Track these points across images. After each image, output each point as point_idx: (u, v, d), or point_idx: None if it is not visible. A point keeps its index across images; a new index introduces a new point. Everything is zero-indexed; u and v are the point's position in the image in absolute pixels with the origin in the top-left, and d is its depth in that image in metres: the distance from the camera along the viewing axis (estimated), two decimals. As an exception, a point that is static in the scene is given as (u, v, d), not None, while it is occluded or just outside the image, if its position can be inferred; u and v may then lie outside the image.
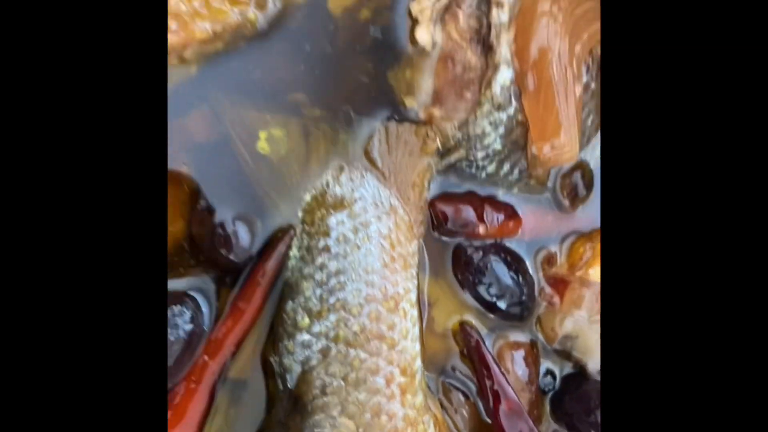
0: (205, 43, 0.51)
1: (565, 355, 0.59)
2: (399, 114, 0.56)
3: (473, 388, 0.57)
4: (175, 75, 0.52)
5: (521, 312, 0.58)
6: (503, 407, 0.56)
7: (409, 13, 0.55)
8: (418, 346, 0.54)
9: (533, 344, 0.59)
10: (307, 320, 0.52)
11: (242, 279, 0.53)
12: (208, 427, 0.52)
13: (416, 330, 0.54)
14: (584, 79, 0.55)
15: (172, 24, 0.49)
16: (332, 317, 0.51)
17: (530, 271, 0.59)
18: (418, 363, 0.54)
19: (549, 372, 0.59)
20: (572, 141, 0.54)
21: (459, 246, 0.58)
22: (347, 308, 0.51)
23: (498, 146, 0.56)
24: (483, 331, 0.58)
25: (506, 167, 0.57)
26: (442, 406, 0.56)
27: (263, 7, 0.52)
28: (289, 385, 0.52)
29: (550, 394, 0.59)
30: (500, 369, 0.56)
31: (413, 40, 0.55)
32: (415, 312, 0.54)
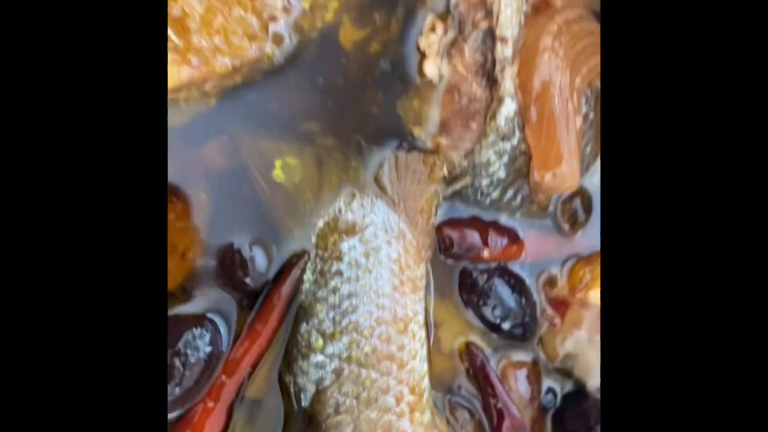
0: (224, 77, 0.52)
1: (565, 373, 0.60)
2: (408, 143, 0.56)
3: (478, 405, 0.58)
4: (195, 107, 0.53)
5: (524, 332, 0.59)
6: (507, 424, 0.57)
7: (418, 48, 0.56)
8: (425, 366, 0.55)
9: (535, 363, 0.59)
10: (320, 341, 0.53)
11: (259, 302, 0.54)
12: (226, 445, 0.53)
13: (424, 350, 0.55)
14: (583, 110, 0.57)
15: (193, 59, 0.50)
16: (345, 339, 0.52)
17: (532, 293, 0.59)
18: (426, 382, 0.55)
19: (550, 390, 0.60)
20: (573, 170, 0.55)
21: (464, 269, 0.59)
22: (359, 330, 0.53)
23: (502, 174, 0.57)
24: (487, 350, 0.58)
25: (509, 194, 0.58)
26: (448, 423, 0.57)
27: (280, 42, 0.53)
28: (303, 404, 0.53)
29: (551, 412, 0.60)
30: (504, 387, 0.57)
31: (421, 72, 0.56)
32: (423, 333, 0.55)
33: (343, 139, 0.56)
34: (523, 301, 0.59)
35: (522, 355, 0.59)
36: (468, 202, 0.59)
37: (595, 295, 0.58)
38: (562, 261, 0.60)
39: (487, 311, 0.58)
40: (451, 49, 0.56)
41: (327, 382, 0.52)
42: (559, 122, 0.54)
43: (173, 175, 0.53)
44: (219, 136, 0.54)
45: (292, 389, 0.53)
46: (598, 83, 0.57)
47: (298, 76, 0.55)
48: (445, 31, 0.55)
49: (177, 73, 0.50)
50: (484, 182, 0.57)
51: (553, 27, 0.55)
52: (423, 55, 0.56)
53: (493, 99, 0.55)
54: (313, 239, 0.55)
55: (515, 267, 0.59)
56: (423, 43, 0.56)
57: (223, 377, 0.53)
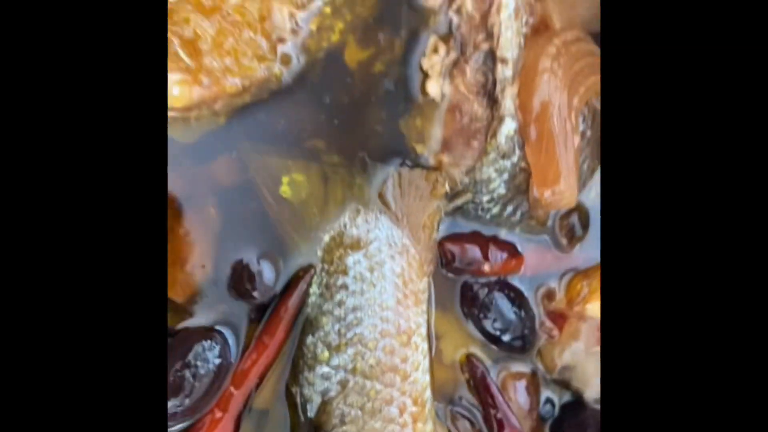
0: (234, 97, 0.53)
1: (563, 384, 0.60)
2: (411, 160, 0.57)
3: (479, 416, 0.59)
4: (205, 125, 0.54)
5: (523, 344, 0.60)
6: (506, 434, 0.58)
7: (420, 68, 0.57)
8: (428, 377, 0.56)
9: (534, 374, 0.60)
10: (326, 353, 0.54)
11: (267, 314, 0.55)
12: (234, 454, 0.53)
13: (426, 362, 0.56)
14: (581, 128, 0.57)
15: (204, 79, 0.51)
16: (350, 351, 0.53)
17: (531, 306, 0.60)
18: (428, 393, 0.56)
19: (549, 400, 0.61)
20: (571, 187, 0.56)
21: (465, 283, 0.60)
22: (364, 342, 0.53)
23: (502, 191, 0.58)
24: (488, 362, 0.59)
25: (509, 209, 0.59)
26: (449, 433, 0.58)
27: (288, 63, 0.54)
28: (309, 415, 0.54)
29: (549, 422, 0.61)
30: (504, 398, 0.58)
31: (424, 92, 0.57)
32: (425, 345, 0.56)
33: (348, 156, 0.56)
34: (523, 314, 0.60)
35: (521, 367, 0.60)
36: (469, 218, 0.60)
37: (592, 308, 0.59)
38: (560, 275, 0.61)
39: (487, 324, 0.59)
40: (453, 69, 0.57)
41: (332, 393, 0.53)
42: (557, 141, 0.55)
43: (184, 190, 0.54)
44: (228, 154, 0.55)
45: (298, 400, 0.54)
46: (594, 102, 0.58)
47: (304, 95, 0.56)
48: (448, 52, 0.56)
49: (188, 93, 0.51)
50: (485, 198, 0.58)
51: (552, 49, 0.56)
52: (426, 75, 0.57)
53: (494, 118, 0.56)
54: (319, 253, 0.56)
55: (515, 281, 0.60)
56: (426, 64, 0.57)
57: (232, 388, 0.53)
